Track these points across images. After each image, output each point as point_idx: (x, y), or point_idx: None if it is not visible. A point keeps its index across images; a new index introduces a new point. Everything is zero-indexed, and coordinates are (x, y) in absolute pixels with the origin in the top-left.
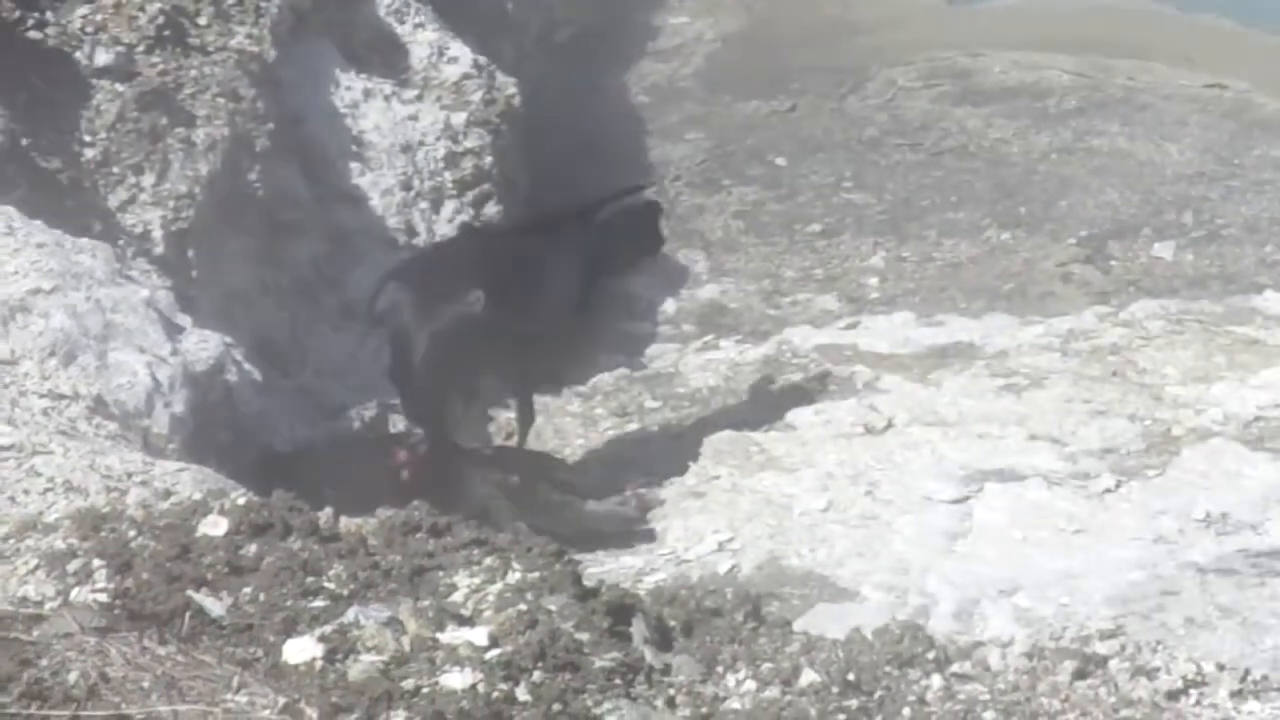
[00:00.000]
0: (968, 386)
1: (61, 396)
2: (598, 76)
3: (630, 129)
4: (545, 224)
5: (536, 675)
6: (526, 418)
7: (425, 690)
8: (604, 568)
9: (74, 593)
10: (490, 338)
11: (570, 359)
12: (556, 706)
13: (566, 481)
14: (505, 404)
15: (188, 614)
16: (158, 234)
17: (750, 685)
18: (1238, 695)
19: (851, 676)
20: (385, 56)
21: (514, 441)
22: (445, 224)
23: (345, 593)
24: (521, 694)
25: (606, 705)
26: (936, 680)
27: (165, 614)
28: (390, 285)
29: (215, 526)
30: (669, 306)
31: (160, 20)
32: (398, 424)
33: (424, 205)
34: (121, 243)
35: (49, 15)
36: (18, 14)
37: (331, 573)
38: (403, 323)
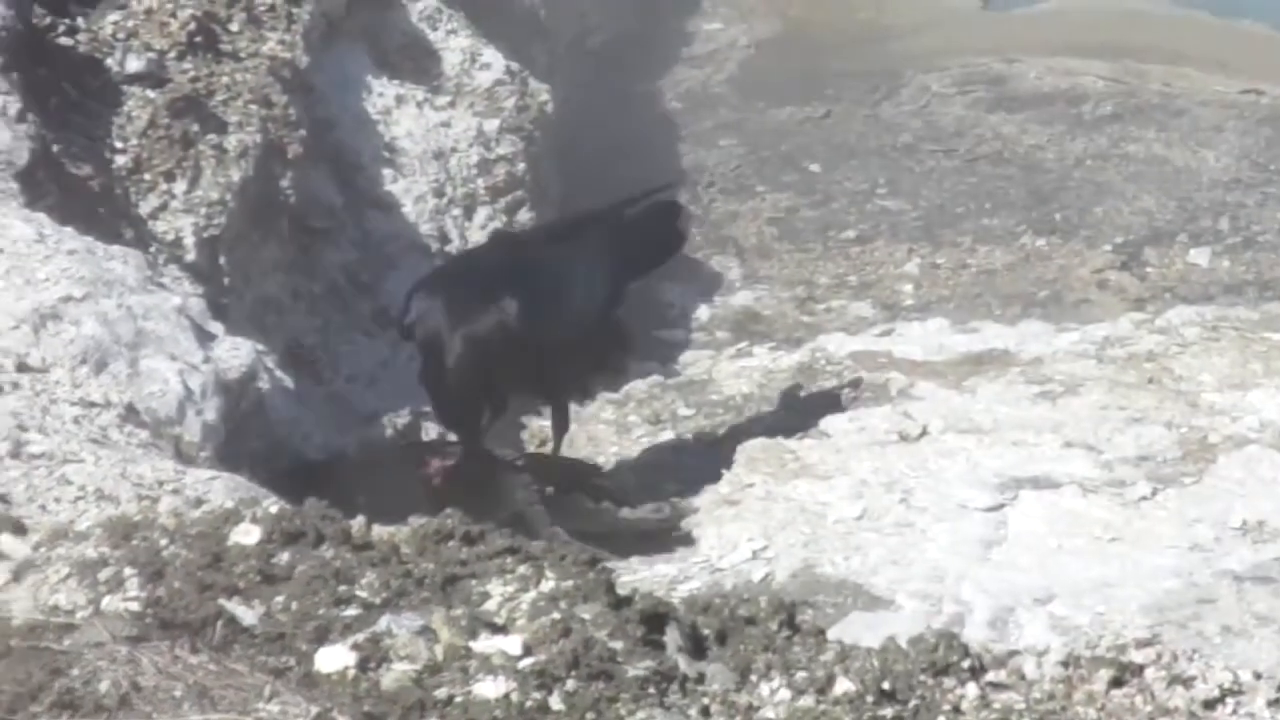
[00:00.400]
0: (1003, 393)
1: (93, 404)
2: (631, 82)
3: (664, 135)
4: (570, 229)
5: (570, 684)
6: (561, 425)
7: (458, 699)
8: (638, 576)
9: (105, 601)
10: (522, 344)
11: (602, 365)
12: (590, 715)
13: (602, 487)
14: (538, 411)
15: (219, 623)
16: (189, 241)
17: (784, 694)
18: (1275, 704)
19: (886, 685)
20: (418, 63)
21: (548, 449)
22: (478, 230)
23: (378, 601)
24: (555, 703)
25: (640, 714)
26: (971, 689)
27: (197, 623)
28: (419, 295)
29: (247, 535)
30: (702, 313)
31: (192, 26)
32: (430, 431)
33: (457, 212)
34: (153, 250)
35: (80, 21)
36: (49, 20)
37: (364, 581)
38: (434, 329)
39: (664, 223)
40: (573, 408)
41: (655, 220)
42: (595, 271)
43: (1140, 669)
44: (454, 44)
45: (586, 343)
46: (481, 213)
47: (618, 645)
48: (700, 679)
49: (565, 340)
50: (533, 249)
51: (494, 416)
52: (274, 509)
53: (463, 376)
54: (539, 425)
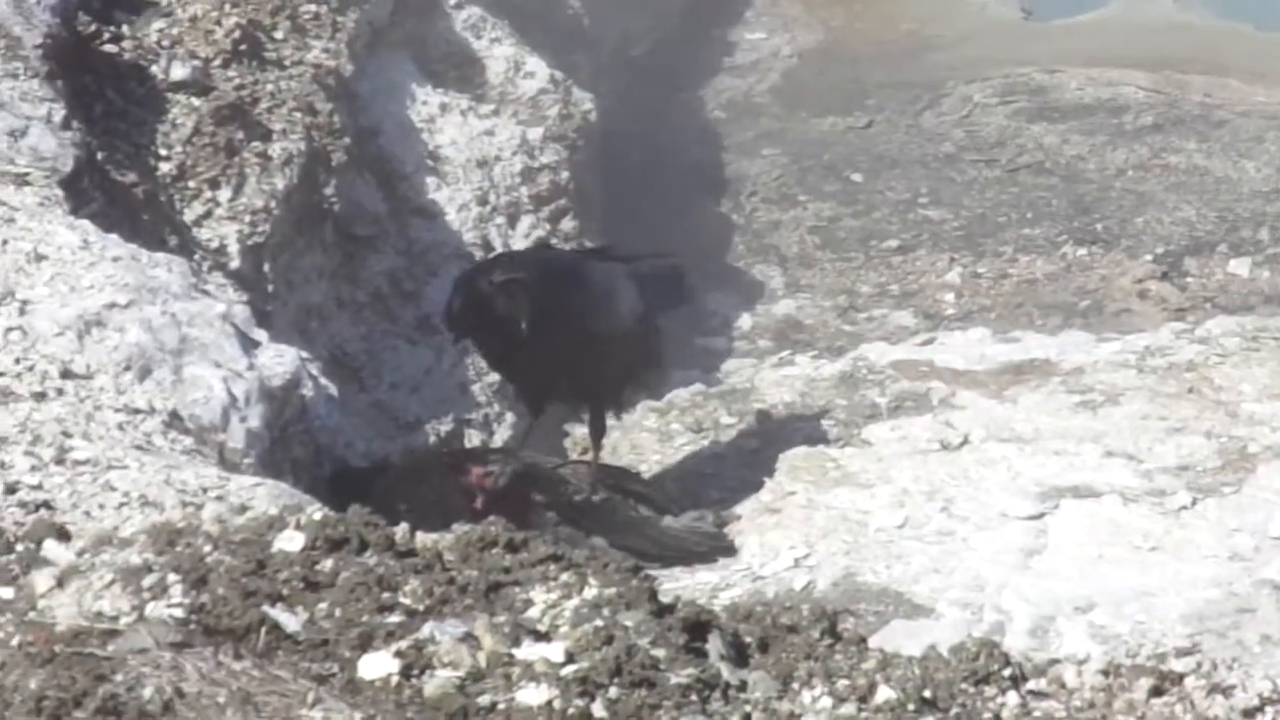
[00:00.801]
0: (1044, 403)
1: (137, 411)
2: (674, 91)
3: (706, 144)
4: (596, 255)
5: (613, 691)
6: (600, 429)
7: (501, 706)
8: (680, 584)
9: (149, 608)
10: (578, 327)
11: (638, 379)
12: None
13: (645, 496)
14: (580, 419)
15: (263, 629)
16: (234, 248)
17: (826, 702)
18: None
19: (927, 693)
20: (462, 71)
21: (590, 456)
22: (521, 239)
23: (421, 608)
24: (598, 710)
25: None
26: (1012, 697)
27: (241, 629)
28: (466, 282)
29: (291, 541)
30: (744, 322)
31: (236, 34)
32: (473, 438)
33: (500, 220)
34: (197, 257)
35: (125, 29)
36: (94, 27)
37: (407, 588)
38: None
39: (671, 279)
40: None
41: (664, 274)
42: (632, 286)
43: (1180, 678)
44: (498, 52)
45: (626, 350)
46: (525, 221)
47: (660, 653)
48: (742, 686)
49: (611, 338)
50: (580, 257)
51: (534, 417)
52: (318, 515)
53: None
54: (581, 433)
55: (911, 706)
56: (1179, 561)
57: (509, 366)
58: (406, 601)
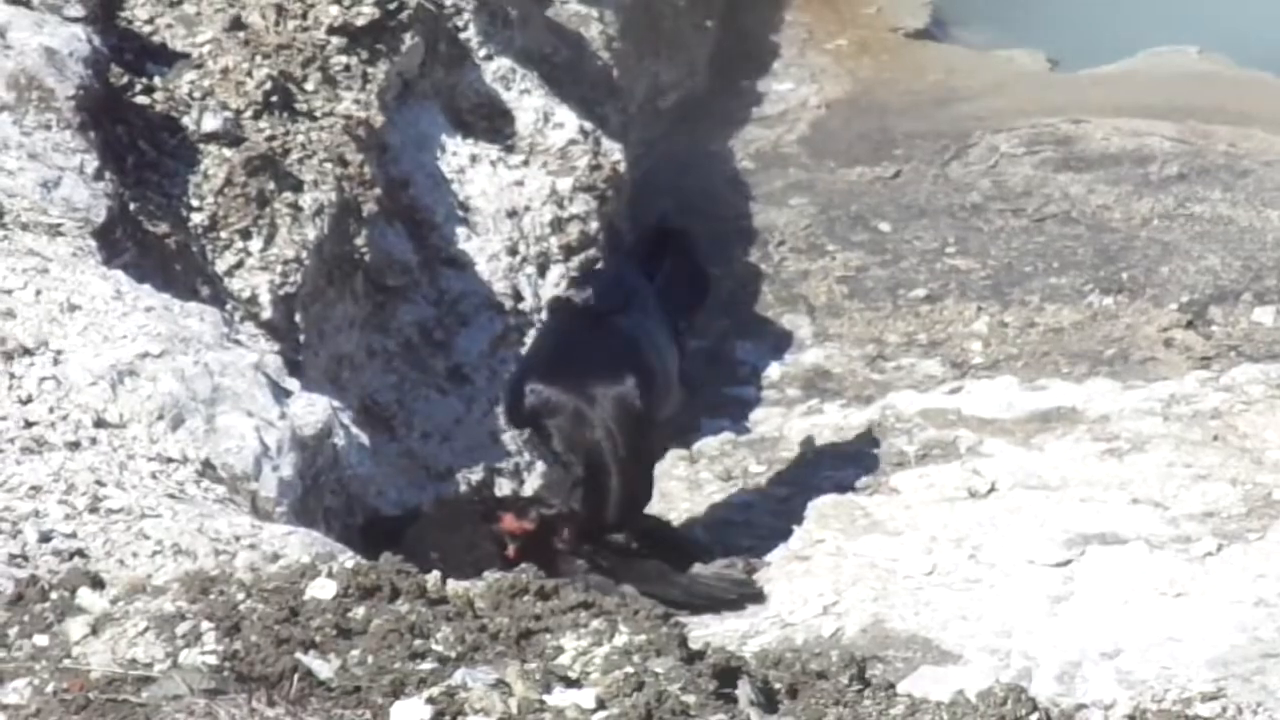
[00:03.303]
0: (1070, 451)
1: (170, 460)
2: (703, 142)
3: (735, 194)
4: (622, 296)
5: None
6: (646, 494)
7: None
8: (709, 630)
9: (183, 655)
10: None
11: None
12: None
13: (675, 544)
14: None
15: (296, 676)
16: (265, 298)
17: None
18: None
19: None
20: (491, 122)
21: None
22: (551, 288)
23: (453, 655)
24: None
25: None
26: None
27: (274, 676)
28: (532, 386)
29: (323, 589)
30: (773, 371)
31: (268, 86)
32: (504, 487)
33: (530, 270)
34: (229, 307)
35: (157, 81)
36: (126, 79)
37: (439, 635)
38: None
39: (682, 253)
40: None
41: (673, 258)
42: (667, 335)
43: None
44: (527, 104)
45: (669, 423)
46: (555, 271)
47: (690, 699)
48: None
49: (665, 410)
50: (619, 327)
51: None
52: (350, 564)
53: (623, 448)
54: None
55: None
56: (1204, 607)
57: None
58: (438, 648)
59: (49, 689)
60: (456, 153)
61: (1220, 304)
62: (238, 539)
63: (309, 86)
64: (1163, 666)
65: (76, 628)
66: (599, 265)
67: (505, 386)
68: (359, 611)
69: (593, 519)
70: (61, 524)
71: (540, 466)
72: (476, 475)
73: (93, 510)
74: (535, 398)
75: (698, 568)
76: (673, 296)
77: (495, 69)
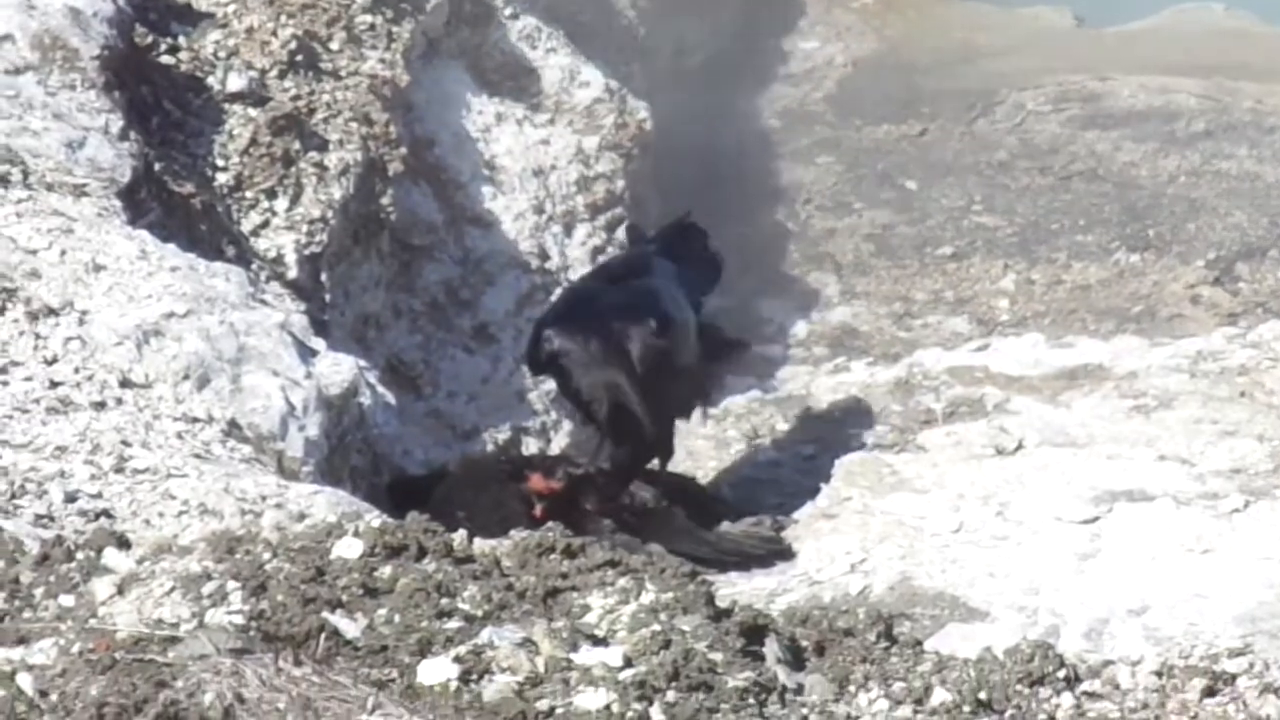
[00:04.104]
0: (1097, 408)
1: (195, 420)
2: (729, 100)
3: (762, 152)
4: (639, 265)
5: (670, 695)
6: (668, 450)
7: (560, 710)
8: (737, 588)
9: (209, 615)
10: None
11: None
12: None
13: (702, 502)
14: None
15: (322, 635)
16: (291, 258)
17: (882, 704)
18: None
19: (983, 695)
20: (517, 81)
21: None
22: (578, 247)
23: (480, 614)
24: (656, 714)
25: None
26: (1067, 698)
27: (300, 635)
28: (549, 331)
29: (350, 549)
30: (800, 329)
31: (293, 45)
32: (530, 446)
33: (556, 229)
34: (255, 266)
35: (182, 40)
36: (151, 39)
37: (466, 594)
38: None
39: (694, 241)
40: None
41: (687, 240)
42: (684, 298)
43: (1233, 678)
44: (553, 62)
45: (694, 369)
46: (581, 230)
47: (717, 657)
48: (799, 690)
49: (686, 364)
50: (631, 280)
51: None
52: (376, 523)
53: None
54: None
55: (967, 708)
56: (1231, 563)
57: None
58: (465, 607)
59: (75, 649)
60: (482, 111)
61: (1247, 260)
62: (264, 498)
63: (334, 46)
64: (1190, 622)
65: (102, 588)
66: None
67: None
68: (385, 571)
69: (622, 459)
70: (87, 484)
71: (567, 425)
72: (503, 434)
73: (118, 470)
74: (552, 342)
75: (725, 525)
76: (689, 277)
77: (520, 27)
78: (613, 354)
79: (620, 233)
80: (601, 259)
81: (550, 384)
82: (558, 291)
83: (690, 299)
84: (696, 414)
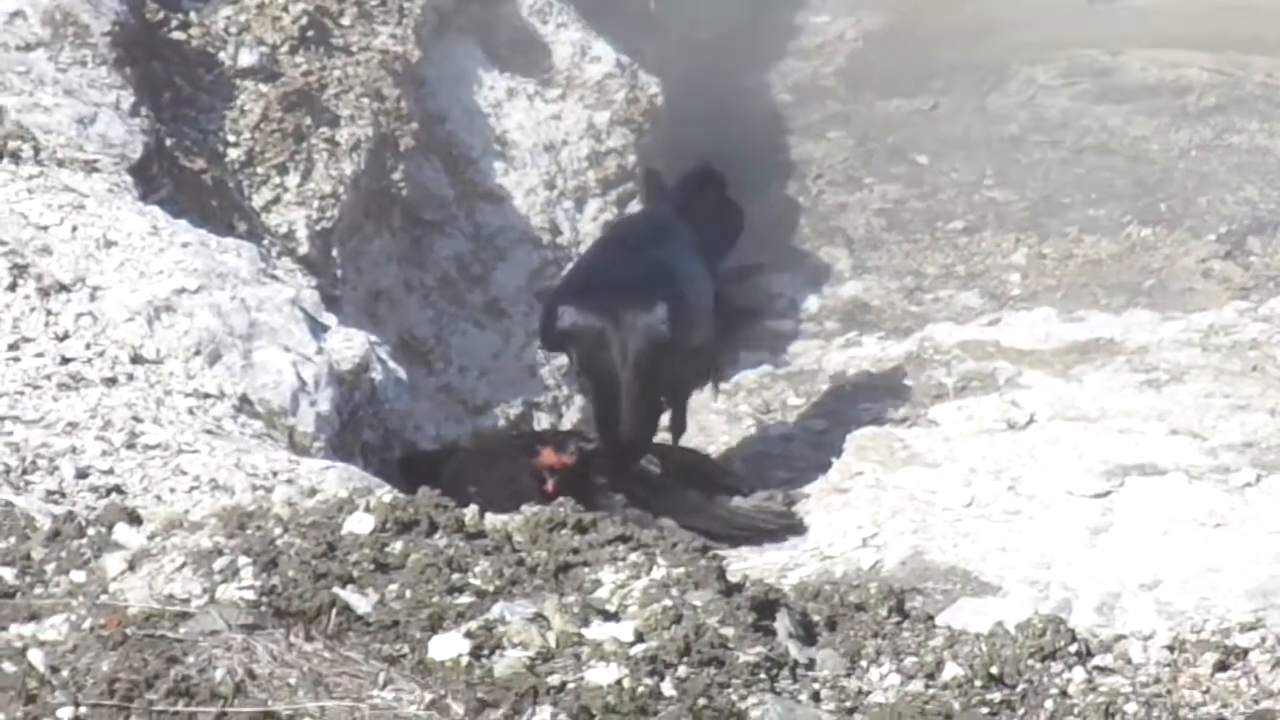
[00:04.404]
0: (1109, 382)
1: (207, 395)
2: (740, 75)
3: (773, 127)
4: (656, 230)
5: (681, 670)
6: (680, 425)
7: (571, 685)
8: (748, 563)
9: (220, 590)
10: (674, 345)
11: (715, 366)
12: (701, 701)
13: (714, 477)
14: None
15: (334, 611)
16: (302, 233)
17: (894, 679)
18: None
19: (994, 670)
20: (528, 56)
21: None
22: (589, 222)
23: (491, 589)
24: (667, 689)
25: (751, 699)
26: (1079, 673)
27: (311, 611)
28: (564, 309)
29: (361, 524)
30: (811, 304)
31: (304, 21)
32: (542, 421)
33: (567, 204)
34: (266, 242)
35: (193, 16)
36: (161, 14)
37: (477, 569)
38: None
39: (713, 192)
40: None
41: (706, 193)
42: (702, 268)
43: (1245, 652)
44: (564, 37)
45: (707, 343)
46: (592, 205)
47: (729, 632)
48: (811, 664)
49: (699, 340)
50: (647, 252)
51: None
52: (387, 498)
53: (644, 378)
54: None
55: (979, 683)
56: (1243, 537)
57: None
58: (476, 582)
59: (86, 625)
60: (494, 87)
61: (1258, 234)
62: (275, 474)
63: (345, 21)
64: (1202, 597)
65: (114, 564)
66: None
67: (541, 310)
68: (397, 546)
69: (602, 441)
70: (99, 460)
71: (579, 400)
72: (514, 409)
73: (130, 446)
74: (566, 319)
75: (737, 500)
76: (708, 232)
77: (532, 2)
78: (614, 340)
79: (631, 207)
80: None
81: (562, 359)
82: (572, 261)
83: (709, 265)
84: (708, 389)
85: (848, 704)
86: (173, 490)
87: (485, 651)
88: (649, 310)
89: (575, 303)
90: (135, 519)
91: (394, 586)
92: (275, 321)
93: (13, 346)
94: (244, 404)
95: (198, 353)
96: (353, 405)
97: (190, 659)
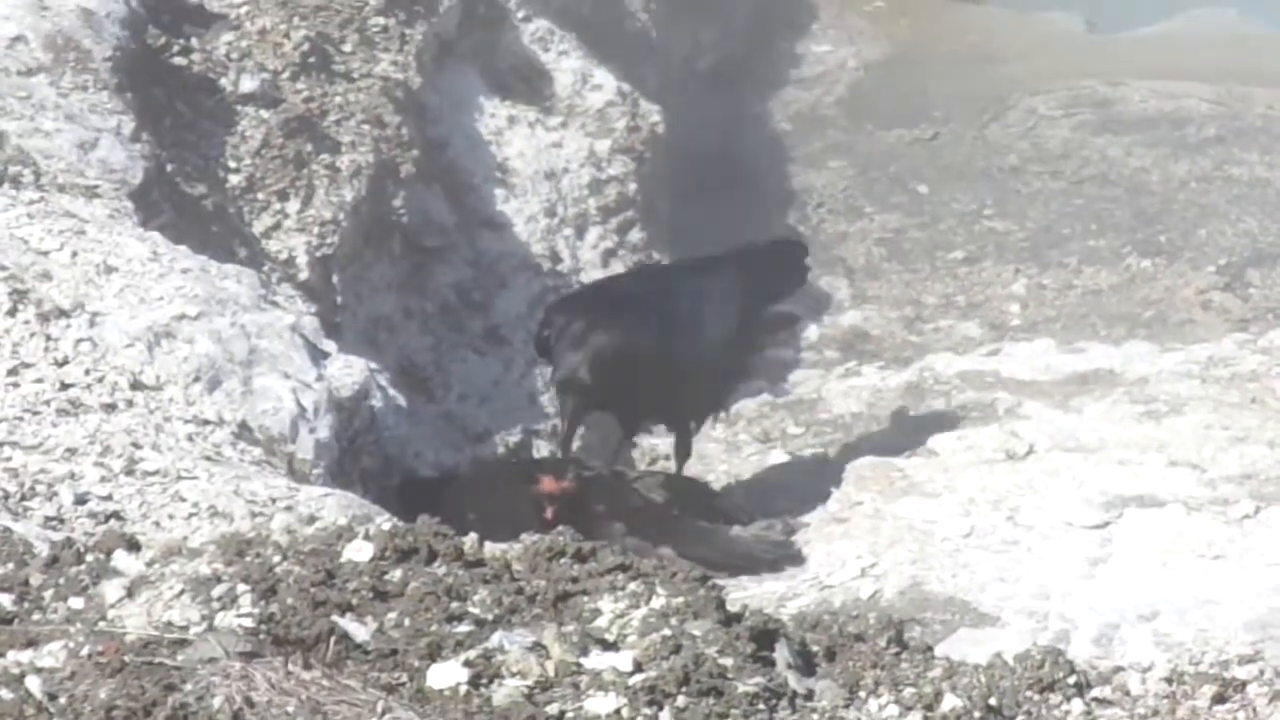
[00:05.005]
0: (1108, 413)
1: (206, 422)
2: (741, 104)
3: (773, 156)
4: (704, 264)
5: (680, 700)
6: (683, 450)
7: (569, 715)
8: (747, 593)
9: (219, 618)
10: (657, 364)
11: (727, 396)
12: None
13: (713, 506)
14: (649, 430)
15: (332, 639)
16: (302, 260)
17: (893, 710)
18: None
19: (993, 701)
20: (529, 84)
21: (659, 466)
22: (590, 250)
23: (490, 618)
24: (666, 718)
25: None
26: (1077, 705)
27: (310, 639)
28: (555, 314)
29: (360, 552)
30: (811, 333)
31: (305, 47)
32: (541, 449)
33: (568, 232)
34: (266, 268)
35: (194, 42)
36: (163, 40)
37: (476, 598)
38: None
39: (789, 259)
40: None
41: (780, 257)
42: (728, 304)
43: (1243, 685)
44: (565, 65)
45: (714, 372)
46: (593, 233)
47: (728, 662)
48: (809, 695)
49: (697, 366)
50: (671, 279)
51: (625, 437)
52: (386, 526)
53: (580, 386)
54: (649, 444)
55: (977, 714)
56: (1242, 569)
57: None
58: (475, 611)
59: (84, 652)
60: (494, 114)
61: (1258, 266)
62: (274, 501)
63: (347, 48)
64: (1200, 629)
65: (112, 590)
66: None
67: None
68: (396, 574)
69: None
70: (97, 486)
71: (579, 428)
72: (514, 437)
73: (129, 472)
74: (550, 328)
75: (736, 529)
76: (760, 282)
77: (533, 30)
78: (583, 355)
79: (631, 235)
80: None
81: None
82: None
83: (746, 310)
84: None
85: None
86: (171, 517)
87: (484, 680)
88: (602, 331)
89: (554, 310)
90: (134, 546)
91: (393, 615)
92: (275, 348)
93: (12, 372)
94: (243, 430)
95: (197, 379)
96: (352, 432)
97: (188, 686)
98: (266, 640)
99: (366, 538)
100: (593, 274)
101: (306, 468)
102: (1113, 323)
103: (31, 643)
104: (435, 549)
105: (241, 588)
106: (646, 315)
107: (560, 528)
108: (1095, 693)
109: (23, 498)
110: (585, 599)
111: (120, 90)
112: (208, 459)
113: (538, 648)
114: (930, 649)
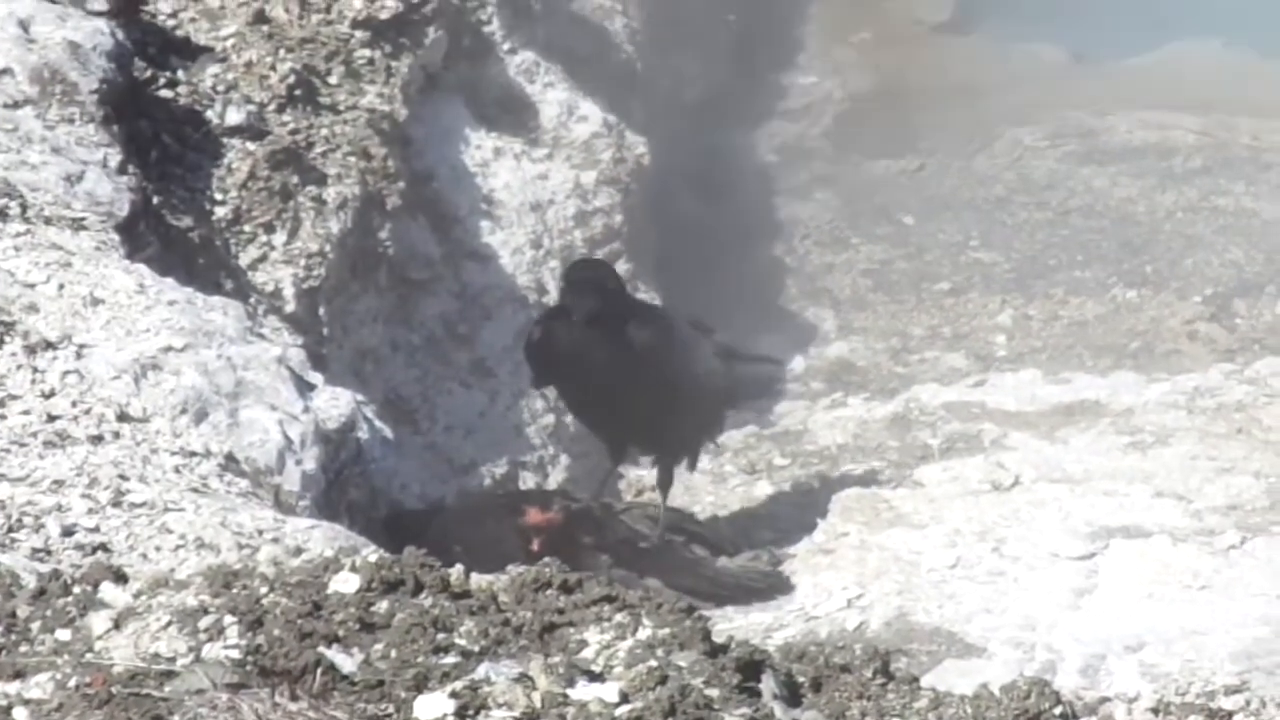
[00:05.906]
0: (1094, 444)
1: (193, 454)
2: (727, 135)
3: (759, 187)
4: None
5: None
6: (666, 481)
7: None
8: (733, 624)
9: (206, 649)
10: (657, 368)
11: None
12: None
13: (700, 537)
14: (636, 462)
15: (319, 670)
16: (289, 292)
17: None
18: None
19: None
20: (515, 115)
21: (644, 498)
22: None
23: (476, 649)
24: None
25: None
26: None
27: (297, 670)
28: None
29: (346, 583)
30: (797, 364)
31: (291, 79)
32: (528, 480)
33: (554, 263)
34: (253, 300)
35: (180, 74)
36: (149, 73)
37: (463, 629)
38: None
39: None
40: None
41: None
42: (706, 347)
43: (1229, 715)
44: (551, 97)
45: (703, 408)
46: None
47: (714, 693)
48: None
49: (686, 395)
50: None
51: (613, 464)
52: (373, 557)
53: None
54: (636, 475)
55: None
56: (1228, 600)
57: (588, 410)
58: (462, 642)
59: (71, 684)
60: (480, 146)
61: (1244, 297)
62: (261, 533)
63: (333, 80)
64: (1186, 659)
65: (99, 622)
66: None
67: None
68: (382, 605)
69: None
70: (84, 518)
71: (565, 460)
72: (500, 469)
73: (115, 504)
74: (537, 329)
75: (723, 560)
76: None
77: (519, 62)
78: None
79: (618, 267)
80: None
81: (548, 419)
82: None
83: (726, 355)
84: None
85: None
86: (158, 549)
87: (470, 712)
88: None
89: (552, 317)
90: (121, 577)
91: (379, 646)
92: (261, 380)
93: None
94: (230, 462)
95: (184, 411)
96: (339, 464)
97: (175, 718)
98: (253, 671)
99: (353, 569)
100: None
101: (293, 499)
102: (1099, 353)
103: (19, 674)
104: (421, 580)
105: (228, 619)
106: (648, 322)
107: (546, 559)
108: None
109: (10, 529)
110: (571, 630)
111: (106, 123)
112: (195, 491)
113: (524, 679)
114: (916, 680)
